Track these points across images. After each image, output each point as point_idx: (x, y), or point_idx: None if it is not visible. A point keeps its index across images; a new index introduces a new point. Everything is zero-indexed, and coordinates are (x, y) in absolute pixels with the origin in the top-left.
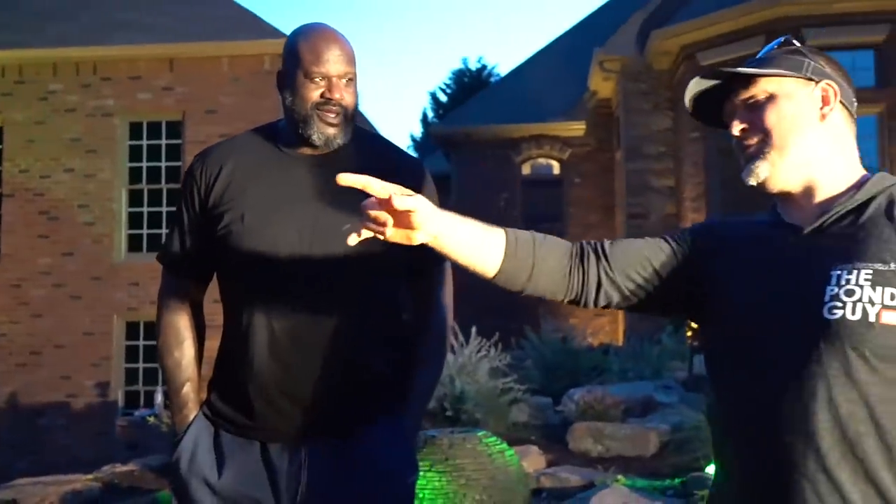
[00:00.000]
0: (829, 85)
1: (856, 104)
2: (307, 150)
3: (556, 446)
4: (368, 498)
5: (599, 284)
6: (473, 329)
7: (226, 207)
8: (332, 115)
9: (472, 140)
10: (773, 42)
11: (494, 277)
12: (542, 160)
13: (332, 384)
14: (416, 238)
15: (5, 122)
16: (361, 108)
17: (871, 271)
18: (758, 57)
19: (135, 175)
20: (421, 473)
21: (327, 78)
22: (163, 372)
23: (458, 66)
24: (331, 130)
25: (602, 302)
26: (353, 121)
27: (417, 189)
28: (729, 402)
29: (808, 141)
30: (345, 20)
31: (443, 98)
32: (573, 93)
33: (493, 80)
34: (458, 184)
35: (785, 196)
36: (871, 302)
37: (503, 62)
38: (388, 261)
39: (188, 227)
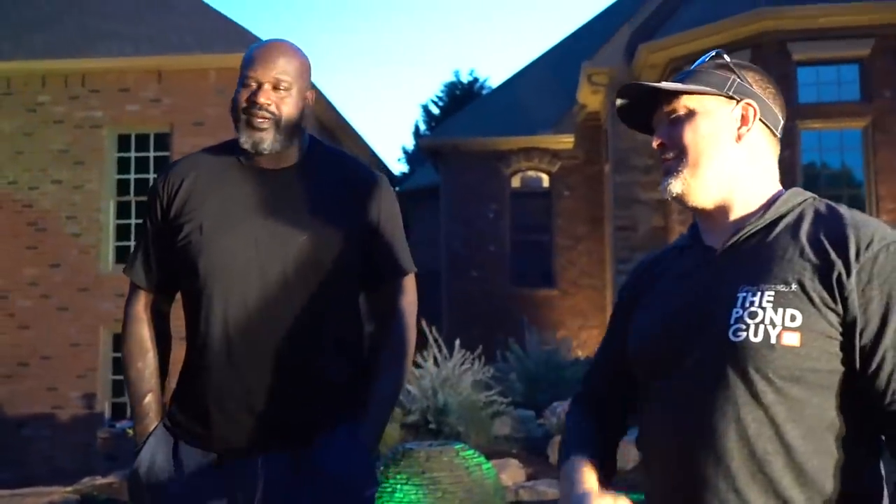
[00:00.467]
0: (749, 105)
1: (782, 122)
2: (263, 163)
3: (537, 459)
4: None
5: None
6: (457, 341)
7: (186, 219)
8: (259, 120)
9: (462, 152)
10: (704, 56)
11: None
12: (531, 172)
13: (288, 394)
14: None
15: None
16: (352, 120)
17: (773, 293)
18: (688, 70)
19: (122, 187)
20: (398, 486)
21: (258, 83)
22: (126, 383)
23: (451, 78)
24: (257, 135)
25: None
26: (293, 131)
27: (374, 201)
28: (647, 425)
29: (723, 159)
30: (335, 32)
31: (435, 110)
32: (562, 105)
33: (485, 92)
34: (448, 195)
35: (701, 213)
36: (773, 324)
37: (495, 74)
38: (344, 271)
39: (152, 239)
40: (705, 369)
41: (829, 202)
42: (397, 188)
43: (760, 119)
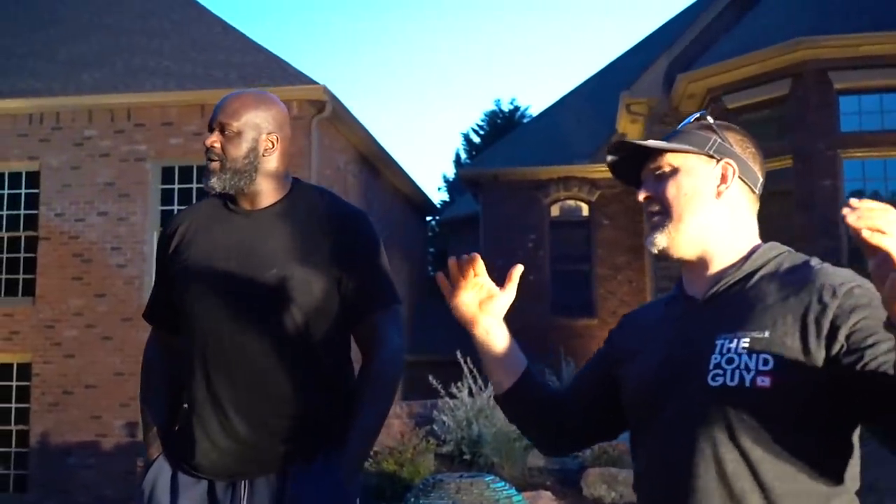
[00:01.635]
0: (729, 164)
1: (761, 180)
2: (246, 206)
3: (570, 491)
4: None
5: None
6: None
7: (177, 262)
8: (209, 162)
9: (501, 181)
10: (690, 117)
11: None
12: (570, 202)
13: (268, 424)
14: (479, 320)
15: (42, 167)
16: (394, 150)
17: (748, 339)
18: (675, 130)
19: (166, 218)
20: None
21: (209, 128)
22: (140, 416)
23: (492, 107)
24: (208, 176)
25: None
26: (243, 172)
27: (349, 236)
28: (638, 467)
29: (704, 215)
30: (378, 63)
31: (476, 139)
32: (601, 134)
33: (525, 120)
34: (487, 225)
35: (684, 265)
36: (748, 368)
37: (536, 103)
38: (318, 305)
39: (159, 284)
40: (687, 413)
41: (803, 255)
42: (437, 218)
43: (739, 177)
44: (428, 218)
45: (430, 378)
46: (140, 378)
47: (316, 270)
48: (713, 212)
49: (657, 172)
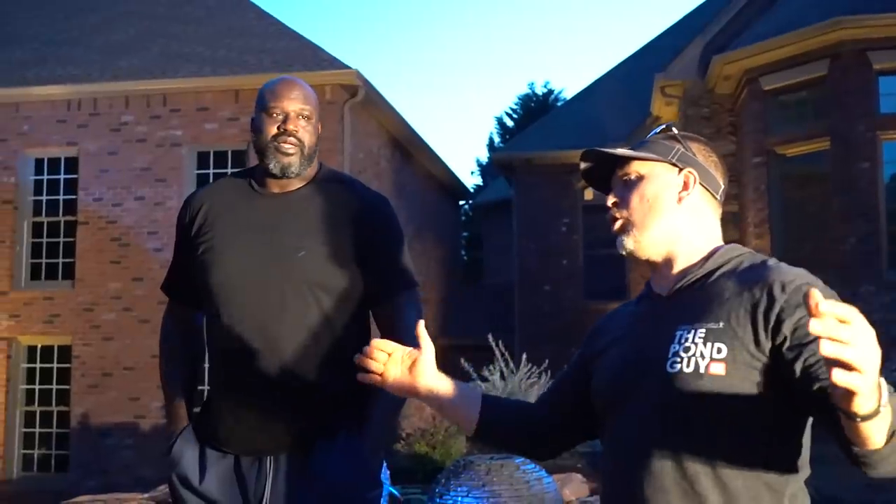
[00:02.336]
0: (691, 172)
1: (723, 187)
2: (274, 188)
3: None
4: None
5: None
6: (524, 356)
7: (201, 240)
8: (288, 146)
9: (534, 166)
10: (657, 128)
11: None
12: None
13: (290, 404)
14: (417, 386)
15: (80, 153)
16: (427, 133)
17: (704, 330)
18: (643, 140)
19: None
20: (458, 498)
21: (284, 113)
22: (161, 385)
23: (525, 90)
24: (286, 160)
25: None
26: (312, 157)
27: (372, 221)
28: (602, 454)
29: (667, 219)
30: (412, 47)
31: (509, 123)
32: (635, 118)
33: (559, 104)
34: (520, 209)
35: (651, 265)
36: (702, 356)
37: (570, 86)
38: (343, 287)
39: (179, 260)
40: (648, 399)
41: (763, 256)
42: (470, 202)
43: (701, 184)
44: (461, 202)
45: (462, 361)
46: (159, 349)
47: (341, 254)
48: (675, 216)
49: (624, 179)
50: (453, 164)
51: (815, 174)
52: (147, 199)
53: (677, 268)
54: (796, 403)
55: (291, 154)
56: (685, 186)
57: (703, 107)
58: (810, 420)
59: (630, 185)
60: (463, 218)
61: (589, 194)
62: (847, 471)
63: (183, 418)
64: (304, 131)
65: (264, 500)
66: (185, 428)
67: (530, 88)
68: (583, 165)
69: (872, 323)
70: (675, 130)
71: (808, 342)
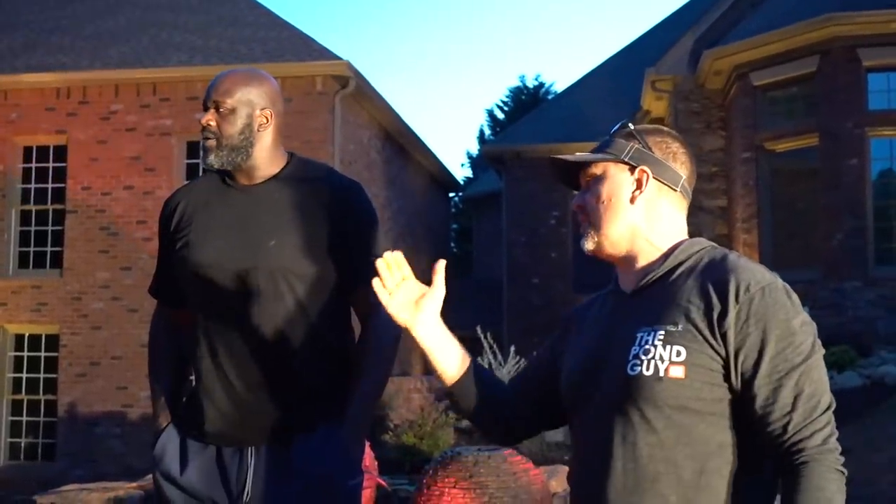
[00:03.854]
0: (643, 170)
1: (684, 177)
2: (243, 181)
3: None
4: (309, 499)
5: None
6: (512, 348)
7: (179, 236)
8: (204, 139)
9: (524, 159)
10: (616, 125)
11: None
12: None
13: (269, 395)
14: (417, 318)
15: (70, 142)
16: (417, 125)
17: (663, 332)
18: (605, 139)
19: None
20: (445, 490)
21: (204, 107)
22: (149, 387)
23: (516, 83)
24: (203, 152)
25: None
26: (241, 148)
27: (345, 207)
28: (570, 454)
29: (622, 219)
30: (402, 40)
31: (500, 115)
32: (625, 112)
33: (549, 97)
34: (510, 202)
35: (614, 262)
36: (662, 359)
37: (560, 79)
38: (316, 275)
39: (163, 260)
40: (608, 401)
41: (725, 250)
42: (460, 194)
43: (656, 179)
44: (451, 194)
45: None
46: (148, 351)
47: (314, 241)
48: (630, 215)
49: (587, 181)
50: (443, 156)
51: (803, 170)
52: (136, 188)
53: (638, 265)
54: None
55: (209, 147)
56: (638, 185)
57: (694, 102)
58: None
59: (589, 188)
60: (452, 210)
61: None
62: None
63: (166, 418)
64: (224, 121)
65: (246, 490)
66: (167, 424)
67: (521, 81)
68: (555, 172)
69: (858, 318)
70: (631, 127)
71: (755, 374)
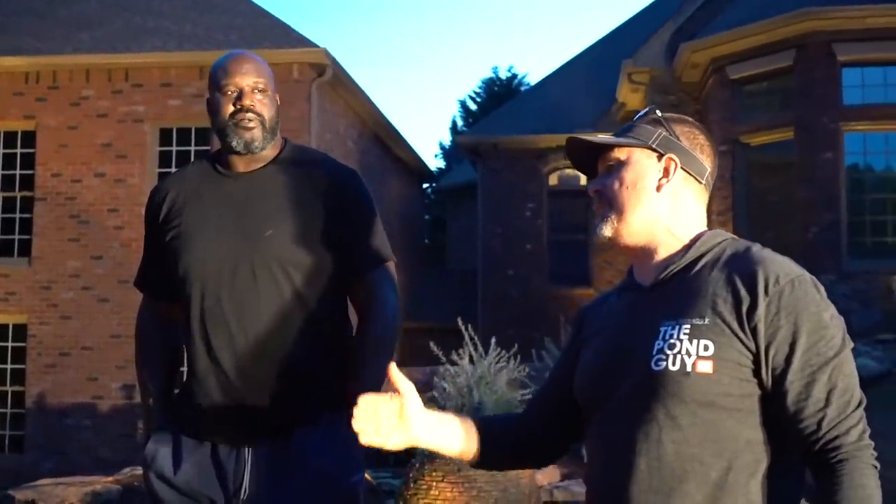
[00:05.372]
0: (671, 158)
1: (709, 170)
2: (239, 168)
3: (572, 460)
4: (308, 497)
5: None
6: (493, 340)
7: (170, 226)
8: (248, 121)
9: (500, 149)
10: (643, 111)
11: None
12: (568, 171)
13: (269, 388)
14: (414, 434)
15: (39, 127)
16: (394, 114)
17: (689, 326)
18: (628, 124)
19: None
20: (433, 484)
21: (238, 89)
22: (138, 385)
23: (489, 74)
24: (248, 135)
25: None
26: (275, 130)
27: (343, 194)
28: (587, 454)
29: (646, 207)
30: (373, 27)
31: (472, 106)
32: (601, 104)
33: (523, 88)
34: (485, 193)
35: (631, 254)
36: (689, 353)
37: (534, 71)
38: (315, 264)
39: (151, 251)
40: (631, 398)
41: (747, 242)
42: (434, 185)
43: (683, 169)
44: (425, 185)
45: (431, 345)
46: (135, 347)
47: (312, 230)
48: (655, 204)
49: (607, 165)
50: (417, 146)
51: (779, 163)
52: (108, 175)
53: (658, 257)
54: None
55: (253, 128)
56: (665, 173)
57: (670, 94)
58: None
59: (611, 173)
60: (426, 201)
61: (554, 179)
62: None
63: (160, 415)
64: (262, 105)
65: (243, 488)
66: (159, 423)
67: (494, 73)
68: (568, 157)
69: None
70: (658, 113)
71: (786, 369)
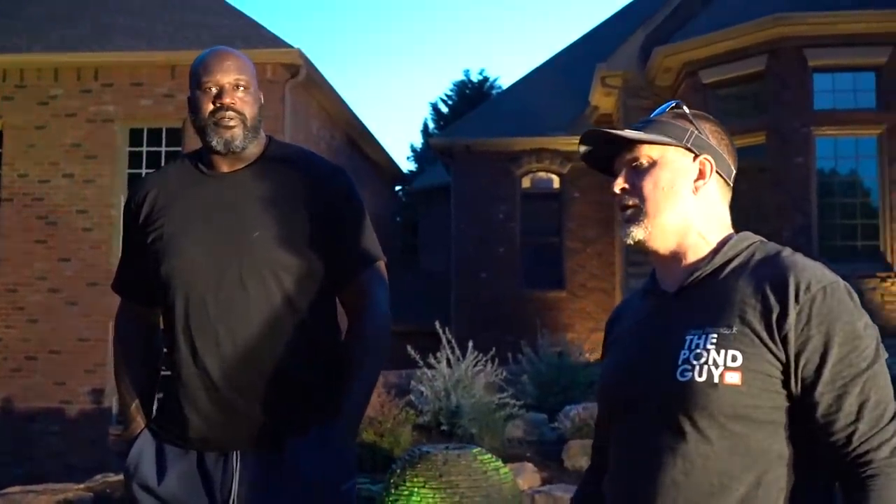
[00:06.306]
0: (707, 160)
1: (734, 172)
2: (223, 167)
3: (552, 464)
4: None
5: None
6: (470, 343)
7: (151, 228)
8: (228, 120)
9: (473, 152)
10: (664, 105)
11: None
12: (542, 174)
13: (259, 394)
14: None
15: (5, 127)
16: (365, 116)
17: (716, 335)
18: (648, 119)
19: (134, 182)
20: (415, 490)
21: (218, 86)
22: (117, 390)
23: (461, 77)
24: (228, 133)
25: None
26: (258, 129)
27: (332, 194)
28: (610, 465)
29: (680, 210)
30: (346, 29)
31: (444, 109)
32: (574, 107)
33: (494, 92)
34: (458, 196)
35: (658, 258)
36: (716, 364)
37: (505, 75)
38: (304, 266)
39: (129, 253)
40: (656, 409)
41: (776, 245)
42: (405, 187)
43: (716, 171)
44: (397, 187)
45: (409, 348)
46: (114, 352)
47: (300, 230)
48: (690, 207)
49: (634, 164)
50: (389, 149)
51: (751, 167)
52: (77, 176)
53: (685, 261)
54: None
55: (233, 126)
56: (701, 175)
57: (643, 98)
58: None
59: (641, 172)
60: (397, 203)
61: (527, 182)
62: None
63: (140, 424)
64: (243, 102)
65: (231, 498)
66: (141, 431)
67: (465, 76)
68: (582, 149)
69: None
70: (685, 109)
71: (816, 381)
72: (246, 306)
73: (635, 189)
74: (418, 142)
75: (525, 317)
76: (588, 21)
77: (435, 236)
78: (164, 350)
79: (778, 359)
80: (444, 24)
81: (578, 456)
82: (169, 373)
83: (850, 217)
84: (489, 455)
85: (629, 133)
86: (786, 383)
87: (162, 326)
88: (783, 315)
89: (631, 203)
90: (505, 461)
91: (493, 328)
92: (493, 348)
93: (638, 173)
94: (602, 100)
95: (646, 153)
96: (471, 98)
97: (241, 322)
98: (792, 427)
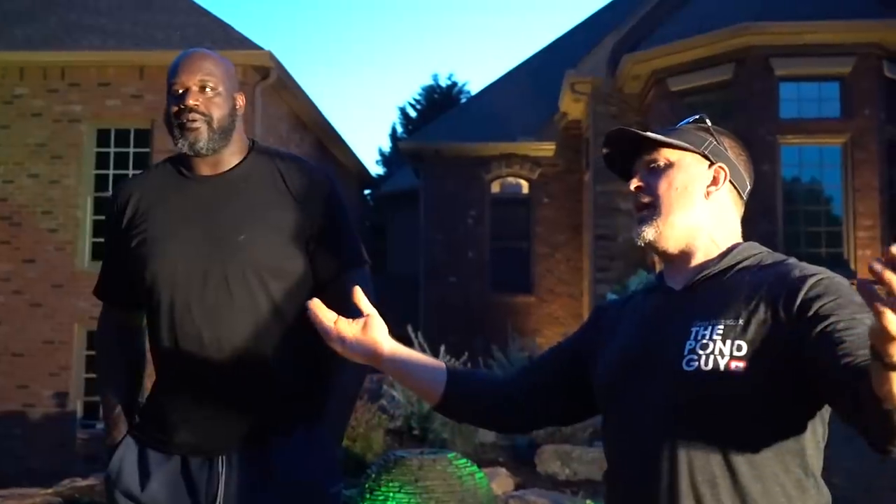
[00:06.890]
0: (722, 168)
1: (749, 187)
2: (205, 170)
3: (524, 468)
4: None
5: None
6: (442, 347)
7: (134, 232)
8: (191, 122)
9: (442, 157)
10: (689, 118)
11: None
12: (511, 179)
13: (240, 397)
14: (376, 345)
15: None
16: (333, 119)
17: (722, 327)
18: (672, 127)
19: (101, 183)
20: (390, 494)
21: (184, 87)
22: (99, 395)
23: (429, 82)
24: (192, 135)
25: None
26: (228, 130)
27: (316, 197)
28: (608, 454)
29: (692, 213)
30: (314, 32)
31: (412, 113)
32: (544, 113)
33: (463, 97)
34: (427, 200)
35: (667, 258)
36: (722, 354)
37: (474, 80)
38: (289, 270)
39: (112, 258)
40: (659, 397)
41: (782, 255)
42: (374, 191)
43: (730, 181)
44: (366, 191)
45: None
46: (96, 358)
47: (283, 234)
48: (700, 210)
49: (651, 165)
50: (357, 152)
51: None
52: (42, 176)
53: (693, 262)
54: (817, 388)
55: (197, 128)
56: (714, 181)
57: (612, 105)
58: (826, 419)
59: (658, 172)
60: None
61: (497, 187)
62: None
63: (122, 430)
64: (209, 103)
65: (217, 501)
66: (124, 437)
67: (434, 80)
68: (605, 151)
69: None
70: (708, 123)
71: (832, 314)
72: (230, 309)
73: (650, 188)
74: (387, 146)
75: (494, 321)
76: (558, 27)
77: (403, 240)
78: (148, 354)
79: (784, 341)
80: (413, 28)
81: (551, 461)
82: (155, 380)
83: (815, 224)
84: (464, 460)
85: (653, 134)
86: (790, 367)
87: (148, 330)
88: (791, 299)
89: (645, 201)
90: (479, 466)
91: (462, 332)
92: (466, 353)
93: (654, 173)
94: (571, 106)
95: (664, 155)
96: (439, 102)
97: (225, 325)
98: (793, 416)
